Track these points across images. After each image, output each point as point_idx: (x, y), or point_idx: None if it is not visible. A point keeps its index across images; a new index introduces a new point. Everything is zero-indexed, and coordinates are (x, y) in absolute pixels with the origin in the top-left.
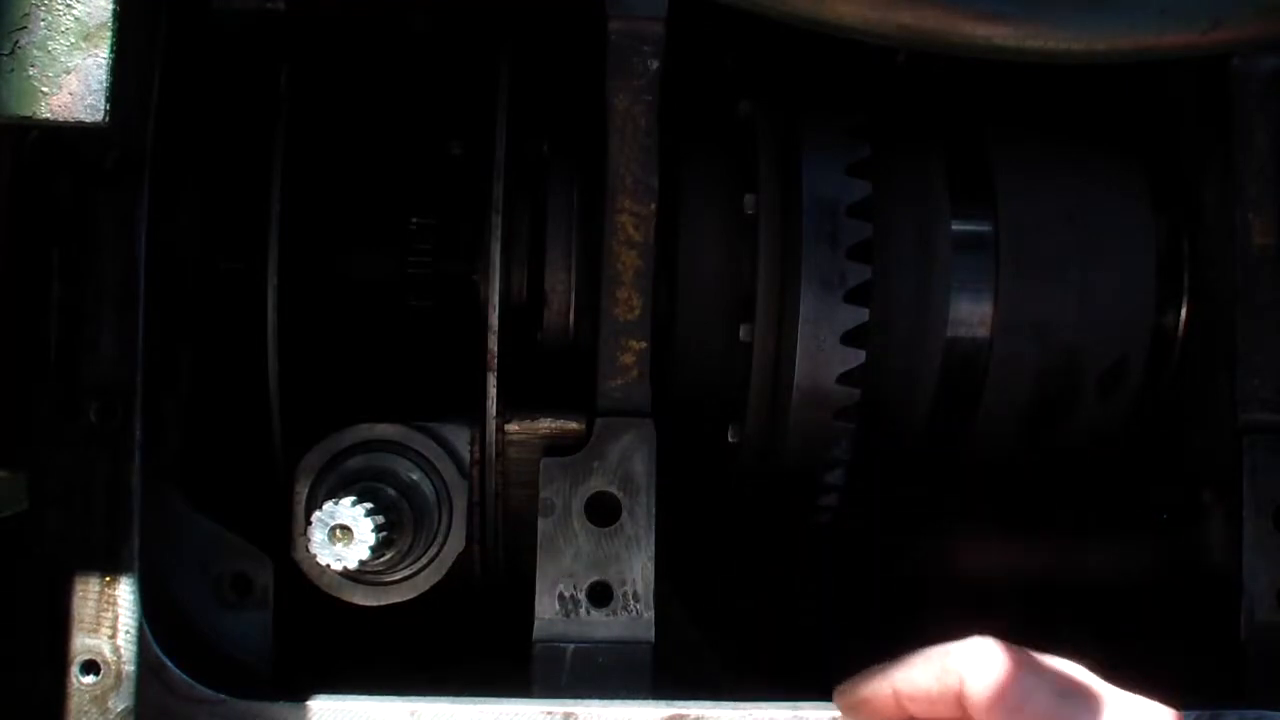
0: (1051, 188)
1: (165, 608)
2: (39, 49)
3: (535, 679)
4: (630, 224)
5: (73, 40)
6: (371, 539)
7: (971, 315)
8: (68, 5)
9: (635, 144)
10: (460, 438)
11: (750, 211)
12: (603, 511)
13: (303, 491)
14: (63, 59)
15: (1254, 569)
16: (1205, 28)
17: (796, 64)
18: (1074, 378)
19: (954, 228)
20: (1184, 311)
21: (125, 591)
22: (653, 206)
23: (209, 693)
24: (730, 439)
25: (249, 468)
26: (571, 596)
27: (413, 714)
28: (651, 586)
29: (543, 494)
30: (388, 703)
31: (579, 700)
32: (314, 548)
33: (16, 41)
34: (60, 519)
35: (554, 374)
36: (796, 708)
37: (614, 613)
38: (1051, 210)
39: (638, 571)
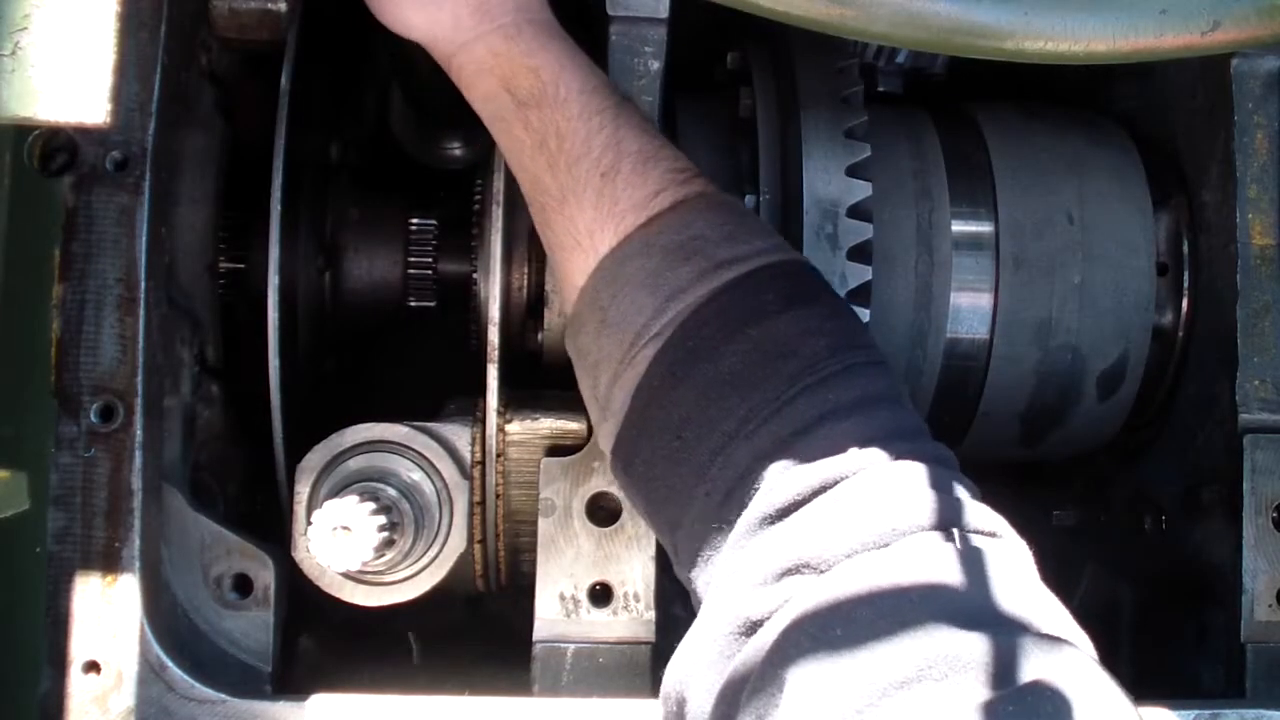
0: (1052, 187)
1: (165, 608)
2: (39, 49)
3: (536, 679)
4: None
5: (73, 40)
6: (373, 539)
7: (971, 315)
8: (68, 5)
9: None
10: (461, 438)
11: None
12: (604, 512)
13: (304, 491)
14: (63, 59)
15: (1254, 569)
16: (1205, 28)
17: (796, 64)
18: (1074, 378)
19: (954, 228)
20: (1184, 311)
21: (125, 591)
22: None
23: (209, 692)
24: None
25: (250, 467)
26: (572, 597)
27: (412, 714)
28: (653, 587)
29: (543, 494)
30: (387, 702)
31: (579, 700)
32: (315, 547)
33: (17, 42)
34: (60, 519)
35: (555, 374)
36: None
37: (615, 613)
38: (1051, 210)
39: (639, 572)
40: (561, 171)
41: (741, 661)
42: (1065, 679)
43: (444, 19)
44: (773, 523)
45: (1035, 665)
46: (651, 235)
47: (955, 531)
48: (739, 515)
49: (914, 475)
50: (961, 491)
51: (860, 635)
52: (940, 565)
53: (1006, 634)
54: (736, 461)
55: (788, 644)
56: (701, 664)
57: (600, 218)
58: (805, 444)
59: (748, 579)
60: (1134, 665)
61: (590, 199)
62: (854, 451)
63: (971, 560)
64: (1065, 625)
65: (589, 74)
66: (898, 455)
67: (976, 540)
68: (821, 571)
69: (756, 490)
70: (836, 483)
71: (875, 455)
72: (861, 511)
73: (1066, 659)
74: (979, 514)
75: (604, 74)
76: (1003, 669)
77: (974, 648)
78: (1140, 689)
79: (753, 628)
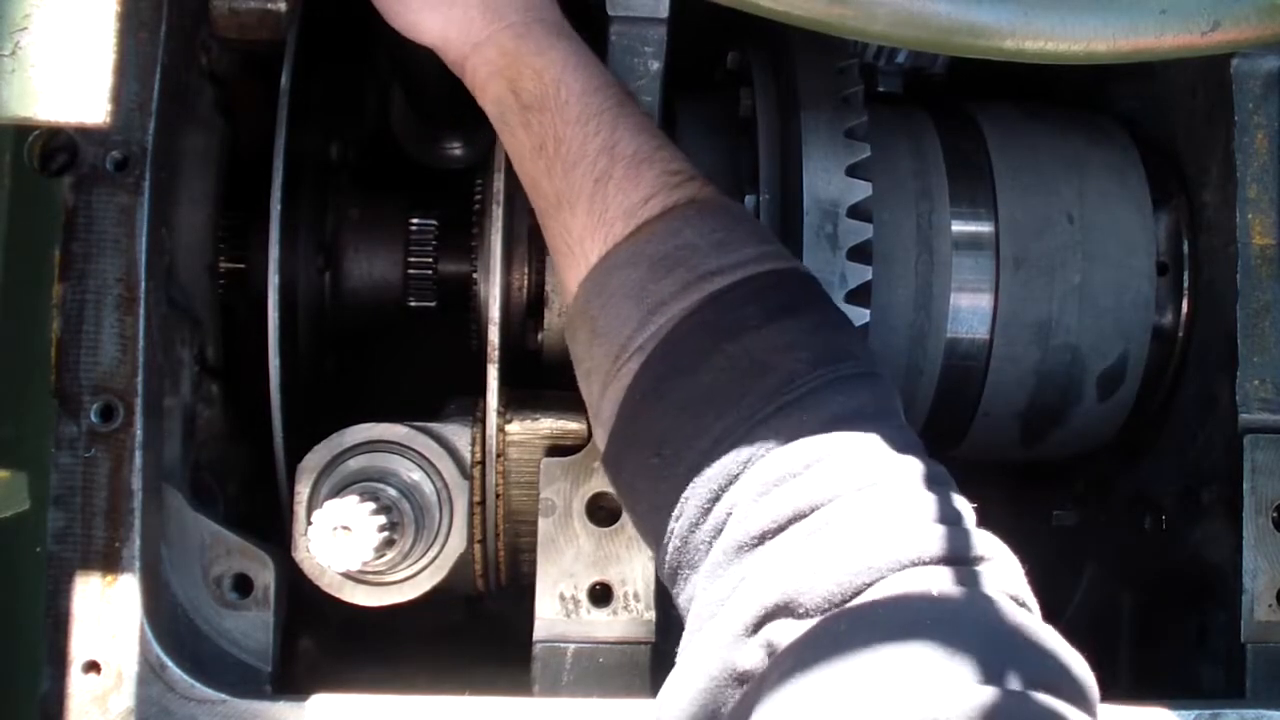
0: (1052, 187)
1: (165, 608)
2: (39, 49)
3: (535, 679)
4: None
5: (73, 40)
6: (373, 539)
7: (971, 315)
8: (68, 5)
9: None
10: (461, 438)
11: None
12: (604, 512)
13: (304, 491)
14: (63, 59)
15: (1254, 569)
16: (1205, 28)
17: (796, 64)
18: (1074, 378)
19: (954, 228)
20: (1184, 311)
21: (125, 591)
22: None
23: (209, 692)
24: None
25: (250, 467)
26: (572, 597)
27: (412, 714)
28: (653, 587)
29: (543, 494)
30: (387, 702)
31: (579, 700)
32: (315, 547)
33: (17, 42)
34: (60, 519)
35: (555, 374)
36: None
37: (615, 613)
38: (1051, 210)
39: (639, 572)
40: (558, 176)
41: (730, 717)
42: None
43: (456, 19)
44: (747, 550)
45: None
46: (639, 244)
47: (937, 565)
48: (715, 538)
49: (893, 501)
50: (946, 513)
51: (840, 698)
52: (918, 611)
53: (989, 692)
54: (710, 482)
55: (774, 703)
56: (683, 714)
57: (591, 225)
58: (778, 467)
59: (728, 626)
60: (1134, 665)
61: (583, 205)
62: (830, 475)
63: (954, 600)
64: (1054, 659)
65: (591, 75)
66: (878, 478)
67: (962, 571)
68: (799, 616)
69: (731, 514)
70: (811, 510)
71: (852, 479)
72: (836, 548)
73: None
74: (964, 539)
75: (609, 74)
76: None
77: (952, 710)
78: (1140, 689)
79: (738, 679)
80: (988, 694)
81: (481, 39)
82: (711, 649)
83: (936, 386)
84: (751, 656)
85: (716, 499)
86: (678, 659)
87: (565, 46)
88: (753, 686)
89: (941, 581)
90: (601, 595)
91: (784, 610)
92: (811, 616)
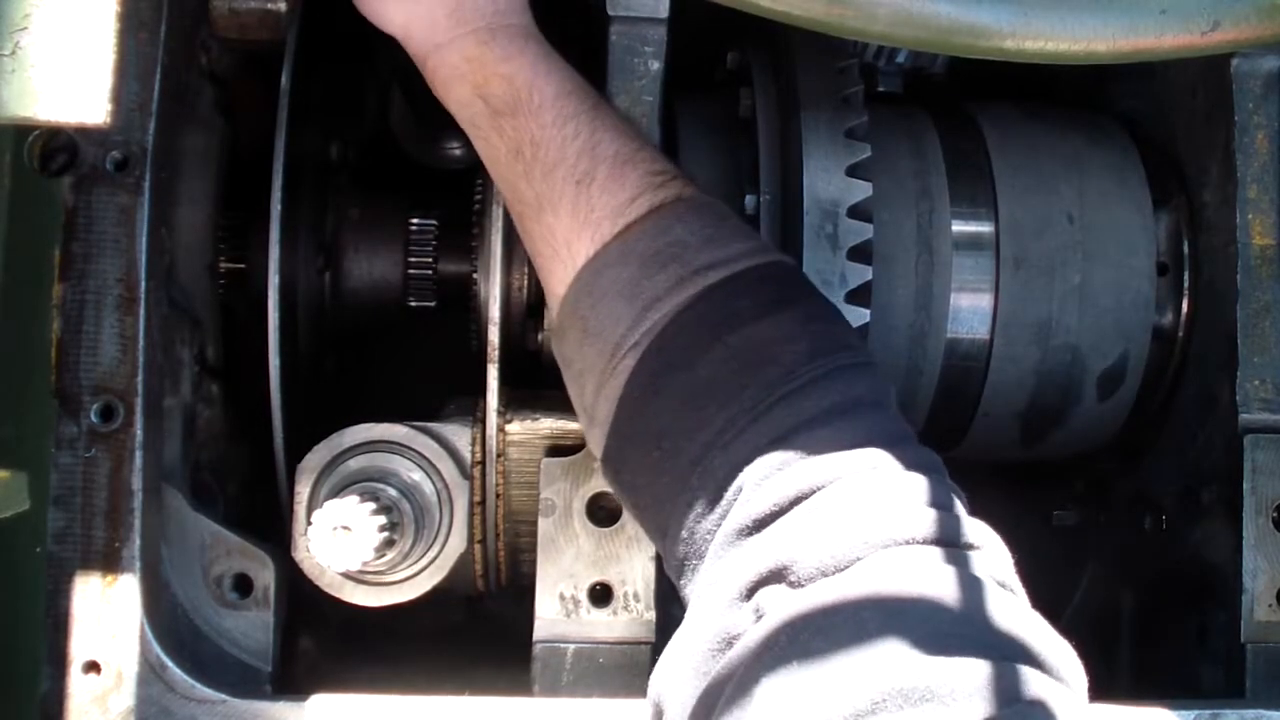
0: (1052, 187)
1: (165, 608)
2: (39, 49)
3: (535, 679)
4: None
5: (73, 40)
6: (373, 539)
7: (971, 315)
8: (68, 5)
9: None
10: (461, 438)
11: (751, 212)
12: (604, 512)
13: (304, 491)
14: (63, 59)
15: (1254, 569)
16: (1205, 29)
17: (796, 64)
18: (1074, 378)
19: (954, 228)
20: (1184, 311)
21: (125, 591)
22: None
23: (209, 692)
24: None
25: (250, 467)
26: (572, 597)
27: (412, 714)
28: (653, 587)
29: (544, 494)
30: (387, 702)
31: (579, 700)
32: (315, 547)
33: (17, 42)
34: (60, 519)
35: (555, 374)
36: None
37: (615, 613)
38: (1051, 210)
39: (639, 572)
40: (537, 180)
41: (716, 678)
42: (1027, 716)
43: (421, 16)
44: (751, 533)
45: (995, 699)
46: (628, 243)
47: (930, 545)
48: (720, 525)
49: (892, 484)
50: (941, 499)
51: (822, 663)
52: (908, 584)
53: (970, 663)
54: (715, 471)
55: (758, 666)
56: (679, 678)
57: (577, 226)
58: (782, 453)
59: (724, 594)
60: (1134, 665)
61: (566, 207)
62: (832, 459)
63: (943, 577)
64: (1038, 639)
65: (563, 79)
66: (878, 462)
67: (953, 553)
68: (793, 585)
69: (735, 500)
70: (813, 492)
71: (854, 463)
72: (834, 523)
73: (1032, 691)
74: (957, 524)
75: (580, 77)
76: (961, 703)
77: (932, 679)
78: (1140, 689)
79: (729, 643)
80: (971, 665)
81: (444, 41)
82: (707, 616)
83: (936, 386)
84: (743, 620)
85: (722, 488)
86: (678, 630)
87: (534, 51)
88: (747, 655)
89: (932, 561)
90: (601, 595)
91: (777, 576)
92: (803, 585)
